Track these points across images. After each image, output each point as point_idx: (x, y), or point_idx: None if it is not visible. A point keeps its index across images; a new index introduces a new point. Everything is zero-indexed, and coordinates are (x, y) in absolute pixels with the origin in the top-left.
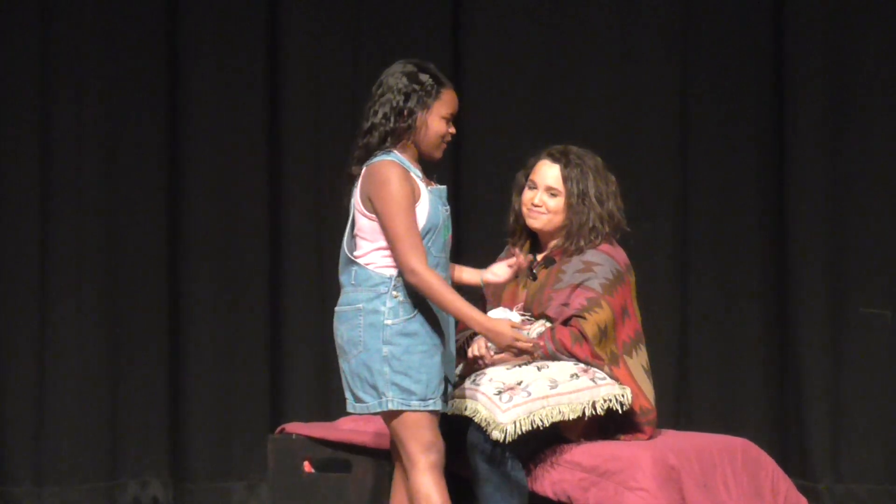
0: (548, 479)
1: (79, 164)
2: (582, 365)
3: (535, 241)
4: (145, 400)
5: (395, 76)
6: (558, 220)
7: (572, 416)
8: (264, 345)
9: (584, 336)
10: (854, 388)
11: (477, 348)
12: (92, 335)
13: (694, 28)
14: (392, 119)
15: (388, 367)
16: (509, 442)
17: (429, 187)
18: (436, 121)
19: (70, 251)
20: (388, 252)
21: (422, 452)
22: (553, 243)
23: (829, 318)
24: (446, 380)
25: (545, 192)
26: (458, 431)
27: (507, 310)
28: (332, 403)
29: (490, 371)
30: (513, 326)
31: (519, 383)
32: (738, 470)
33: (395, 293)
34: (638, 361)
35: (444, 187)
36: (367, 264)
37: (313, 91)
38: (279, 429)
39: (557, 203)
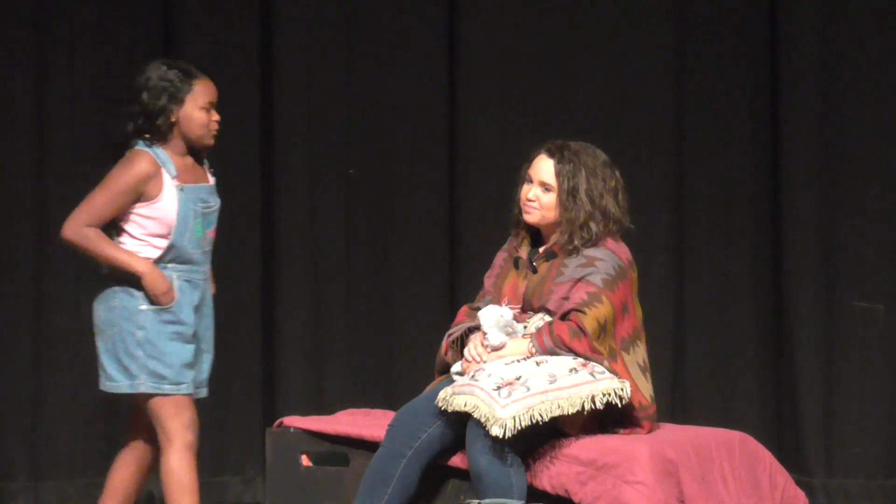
0: (546, 474)
1: (75, 158)
2: (581, 359)
3: (537, 233)
4: None
5: (146, 77)
6: (551, 215)
7: (571, 411)
8: (259, 339)
9: (582, 330)
10: (848, 383)
11: (473, 347)
12: (87, 329)
13: (689, 23)
14: (146, 118)
15: (141, 350)
16: (508, 437)
17: (182, 185)
18: (193, 112)
19: (64, 245)
20: (145, 240)
21: (176, 433)
22: (554, 237)
23: (824, 312)
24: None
25: (539, 186)
26: (457, 427)
27: (497, 306)
28: (326, 397)
29: (489, 366)
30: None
31: (518, 378)
32: (736, 463)
33: None
34: (633, 359)
35: (205, 185)
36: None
37: (307, 83)
38: (277, 422)
39: (550, 198)
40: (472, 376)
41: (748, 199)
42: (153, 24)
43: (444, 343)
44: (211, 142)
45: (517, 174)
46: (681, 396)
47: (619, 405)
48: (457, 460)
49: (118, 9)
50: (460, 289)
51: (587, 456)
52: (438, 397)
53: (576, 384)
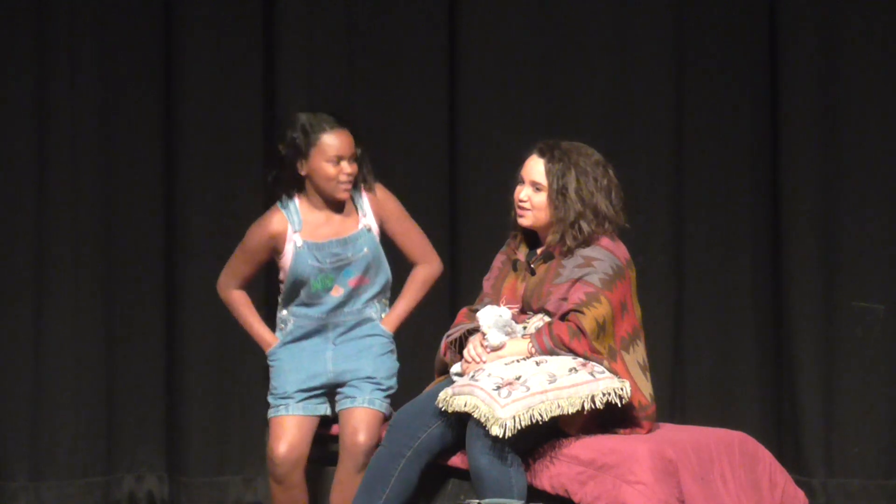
0: (546, 474)
1: (74, 157)
2: (580, 359)
3: (535, 234)
4: (141, 394)
5: (283, 130)
6: (543, 216)
7: (571, 411)
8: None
9: (581, 331)
10: (847, 383)
11: (472, 347)
12: (88, 329)
13: (689, 23)
14: (282, 170)
15: None
16: (508, 437)
17: (304, 241)
18: (320, 165)
19: (66, 245)
20: (282, 280)
21: (267, 457)
22: (549, 238)
23: (823, 312)
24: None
25: (530, 186)
26: (457, 427)
27: (495, 306)
28: None
29: (488, 366)
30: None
31: (518, 378)
32: (736, 463)
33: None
34: (634, 358)
35: (336, 239)
36: None
37: (308, 83)
38: None
39: (541, 198)
40: (472, 376)
41: (748, 199)
42: (154, 24)
43: (443, 344)
44: (343, 195)
45: (517, 176)
46: (681, 396)
47: (619, 405)
48: (457, 460)
49: (118, 7)
50: (460, 291)
51: (587, 456)
52: (438, 398)
53: (575, 384)
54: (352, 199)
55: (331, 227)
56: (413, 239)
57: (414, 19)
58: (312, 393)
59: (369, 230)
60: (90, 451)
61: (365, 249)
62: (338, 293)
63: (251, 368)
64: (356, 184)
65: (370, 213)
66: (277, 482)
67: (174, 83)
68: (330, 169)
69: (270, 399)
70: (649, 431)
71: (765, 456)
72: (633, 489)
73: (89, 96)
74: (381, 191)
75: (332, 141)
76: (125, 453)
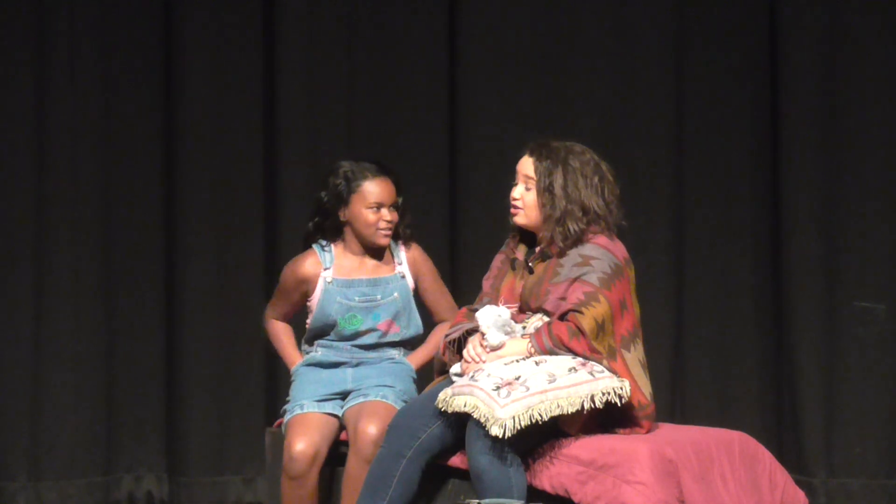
0: (546, 474)
1: (74, 157)
2: (580, 359)
3: (534, 233)
4: (141, 394)
5: (325, 178)
6: (534, 214)
7: (571, 410)
8: (260, 339)
9: (580, 330)
10: (848, 383)
11: (472, 347)
12: (88, 329)
13: (689, 23)
14: (322, 217)
15: None
16: (508, 437)
17: (333, 278)
18: (360, 212)
19: (65, 245)
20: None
21: (283, 456)
22: (541, 236)
23: (824, 312)
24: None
25: (522, 184)
26: (457, 427)
27: (494, 306)
28: None
29: (488, 366)
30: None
31: (517, 378)
32: (736, 463)
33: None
34: (635, 356)
35: (367, 278)
36: None
37: (308, 84)
38: (277, 422)
39: (532, 197)
40: (472, 377)
41: (748, 199)
42: (154, 24)
43: (442, 344)
44: (383, 241)
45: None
46: (681, 396)
47: (619, 404)
48: (457, 460)
49: (118, 7)
50: (460, 290)
51: (587, 456)
52: (438, 398)
53: (575, 383)
54: (390, 249)
55: (363, 269)
56: (442, 300)
57: (414, 18)
58: (329, 398)
59: (403, 277)
60: (90, 451)
61: (395, 294)
62: (368, 336)
63: (251, 368)
64: (396, 234)
65: (406, 264)
66: (291, 478)
67: (174, 83)
68: (370, 215)
69: (286, 407)
70: (649, 431)
71: (765, 456)
72: (633, 489)
73: (89, 96)
74: (417, 250)
75: (373, 188)
76: (125, 453)
